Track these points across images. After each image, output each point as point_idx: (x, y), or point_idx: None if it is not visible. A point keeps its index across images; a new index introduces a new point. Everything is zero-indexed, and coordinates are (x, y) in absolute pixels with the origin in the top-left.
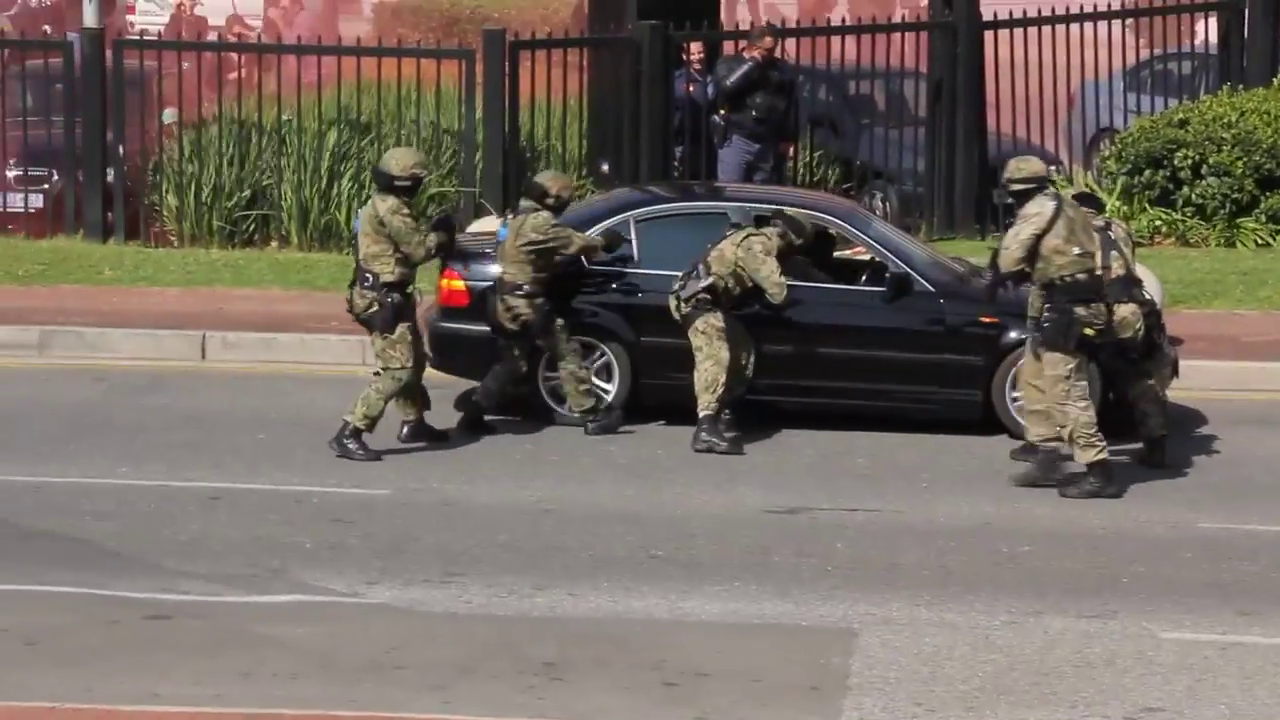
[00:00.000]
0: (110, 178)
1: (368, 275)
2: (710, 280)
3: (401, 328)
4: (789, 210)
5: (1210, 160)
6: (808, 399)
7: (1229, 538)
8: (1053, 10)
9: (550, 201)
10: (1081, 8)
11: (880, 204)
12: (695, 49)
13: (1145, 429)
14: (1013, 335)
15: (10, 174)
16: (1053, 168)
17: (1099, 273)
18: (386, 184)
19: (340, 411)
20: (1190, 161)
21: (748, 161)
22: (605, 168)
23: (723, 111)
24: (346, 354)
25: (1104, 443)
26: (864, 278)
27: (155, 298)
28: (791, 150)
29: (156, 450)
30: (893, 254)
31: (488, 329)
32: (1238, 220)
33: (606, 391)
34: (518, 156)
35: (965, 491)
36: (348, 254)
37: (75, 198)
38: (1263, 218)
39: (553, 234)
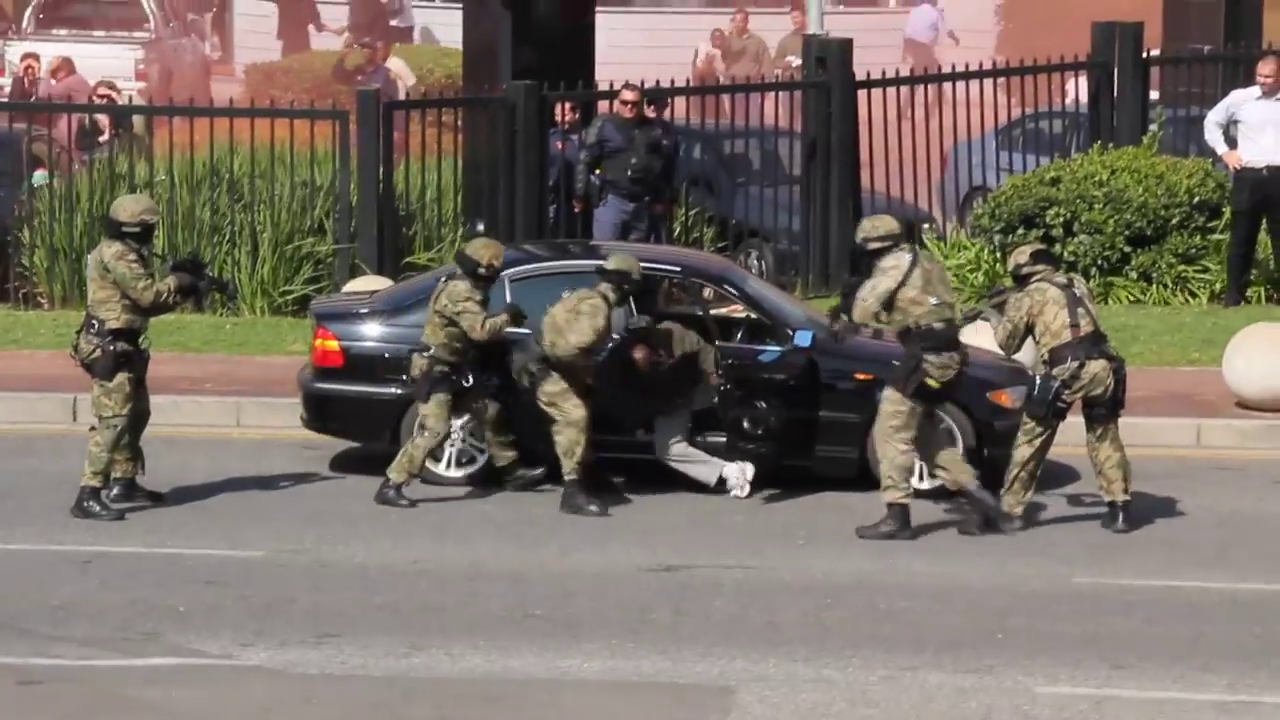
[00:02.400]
0: None
1: (94, 321)
2: (541, 351)
3: (121, 377)
4: (610, 262)
5: (1082, 218)
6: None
7: (1104, 592)
8: (925, 69)
9: (482, 271)
10: (954, 67)
11: (756, 262)
12: (569, 108)
13: (1110, 492)
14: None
15: None
16: (926, 225)
17: (955, 323)
18: (115, 230)
19: (213, 472)
20: (1062, 220)
21: (623, 220)
22: (480, 227)
23: (598, 171)
24: (219, 415)
25: (910, 490)
26: (739, 335)
27: (25, 360)
28: (667, 209)
29: (28, 514)
30: (769, 311)
31: (362, 389)
32: (1110, 278)
33: (480, 450)
34: (392, 215)
35: (843, 547)
36: (220, 314)
37: None
38: (1134, 275)
39: (463, 308)
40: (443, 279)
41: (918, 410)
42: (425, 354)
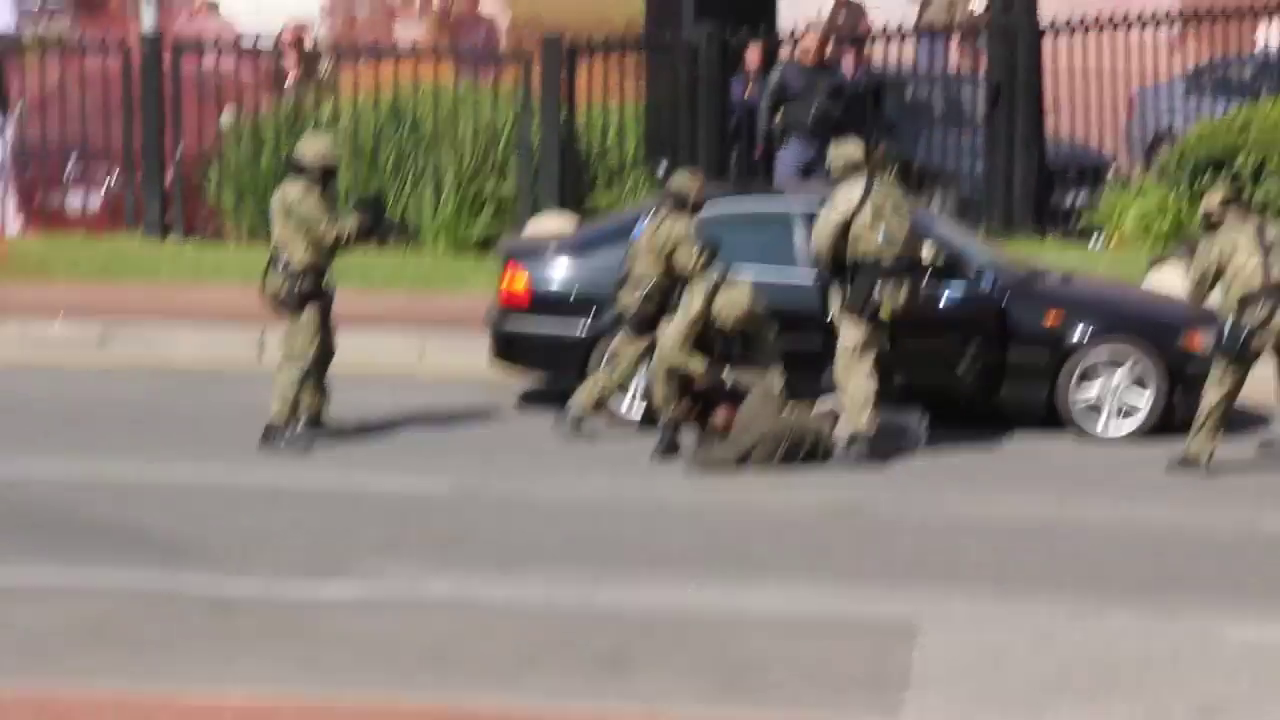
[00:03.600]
0: (169, 177)
1: (280, 259)
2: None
3: (307, 313)
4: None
5: (1271, 163)
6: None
7: None
8: (1111, 16)
9: (692, 206)
10: (1140, 13)
11: (940, 205)
12: (752, 53)
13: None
14: (1077, 335)
15: (70, 173)
16: (1110, 170)
17: (903, 256)
18: (298, 170)
19: (397, 408)
20: (1251, 164)
21: (805, 163)
22: (663, 167)
23: (779, 116)
24: (404, 352)
25: (872, 416)
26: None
27: (214, 295)
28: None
29: (217, 446)
30: (958, 253)
31: (549, 327)
32: None
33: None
34: (573, 157)
35: (1026, 489)
36: (404, 253)
37: (134, 197)
38: None
39: (692, 247)
40: (654, 214)
41: (875, 338)
42: (638, 290)
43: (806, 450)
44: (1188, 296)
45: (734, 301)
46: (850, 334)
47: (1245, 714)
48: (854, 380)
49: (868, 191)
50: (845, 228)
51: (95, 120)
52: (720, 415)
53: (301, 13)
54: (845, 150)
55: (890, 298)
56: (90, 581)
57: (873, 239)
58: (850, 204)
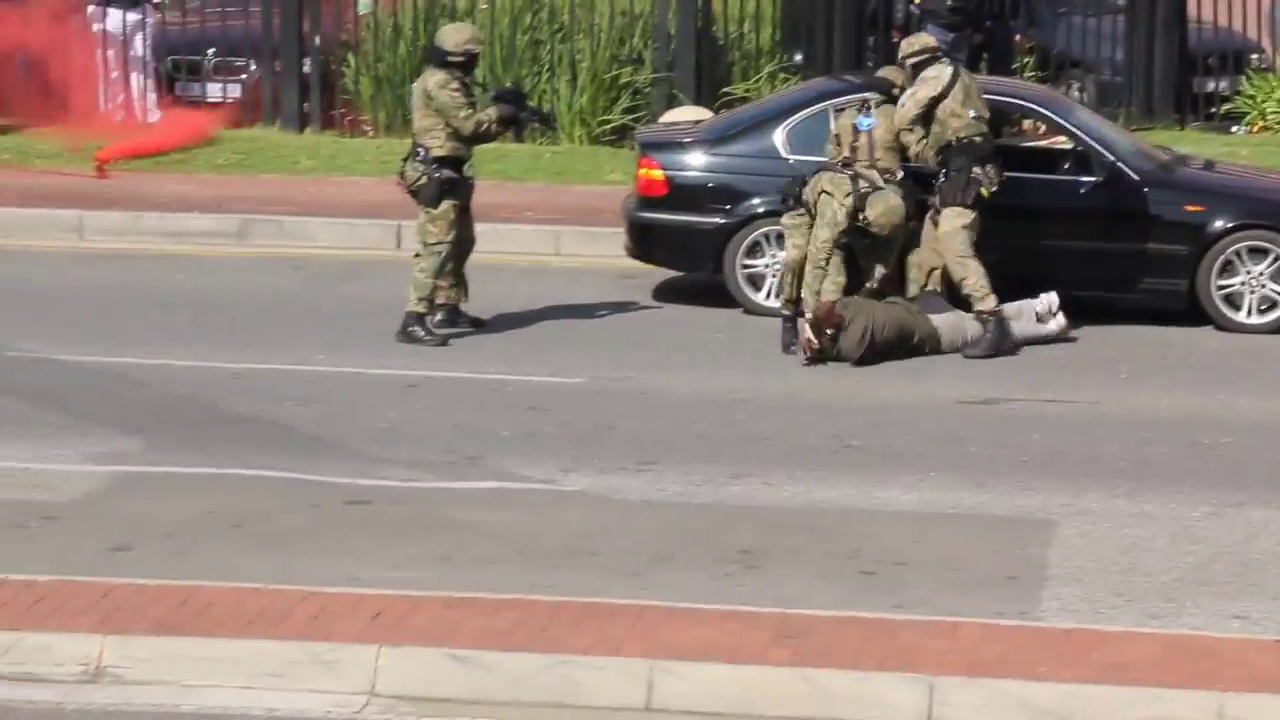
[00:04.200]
0: (307, 67)
1: (419, 149)
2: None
3: (446, 204)
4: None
5: None
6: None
7: None
8: None
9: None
10: None
11: (1077, 93)
12: None
13: None
14: (1219, 224)
15: (209, 64)
16: (1255, 55)
17: (991, 136)
18: (439, 59)
19: (533, 300)
20: None
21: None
22: (799, 58)
23: (916, 1)
24: (539, 243)
25: (996, 295)
26: (1066, 166)
27: (351, 187)
28: (1019, 40)
29: (354, 337)
30: (1097, 142)
31: (686, 218)
32: None
33: None
34: (710, 45)
35: (1165, 383)
36: (539, 143)
37: (272, 88)
38: None
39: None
40: (839, 104)
41: (978, 223)
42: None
43: (917, 342)
44: None
45: (893, 208)
46: (956, 223)
47: None
48: (968, 269)
49: (956, 73)
50: (932, 109)
51: (234, 10)
52: (822, 309)
53: None
54: (920, 38)
55: (988, 178)
56: (231, 475)
57: (966, 117)
58: (941, 83)
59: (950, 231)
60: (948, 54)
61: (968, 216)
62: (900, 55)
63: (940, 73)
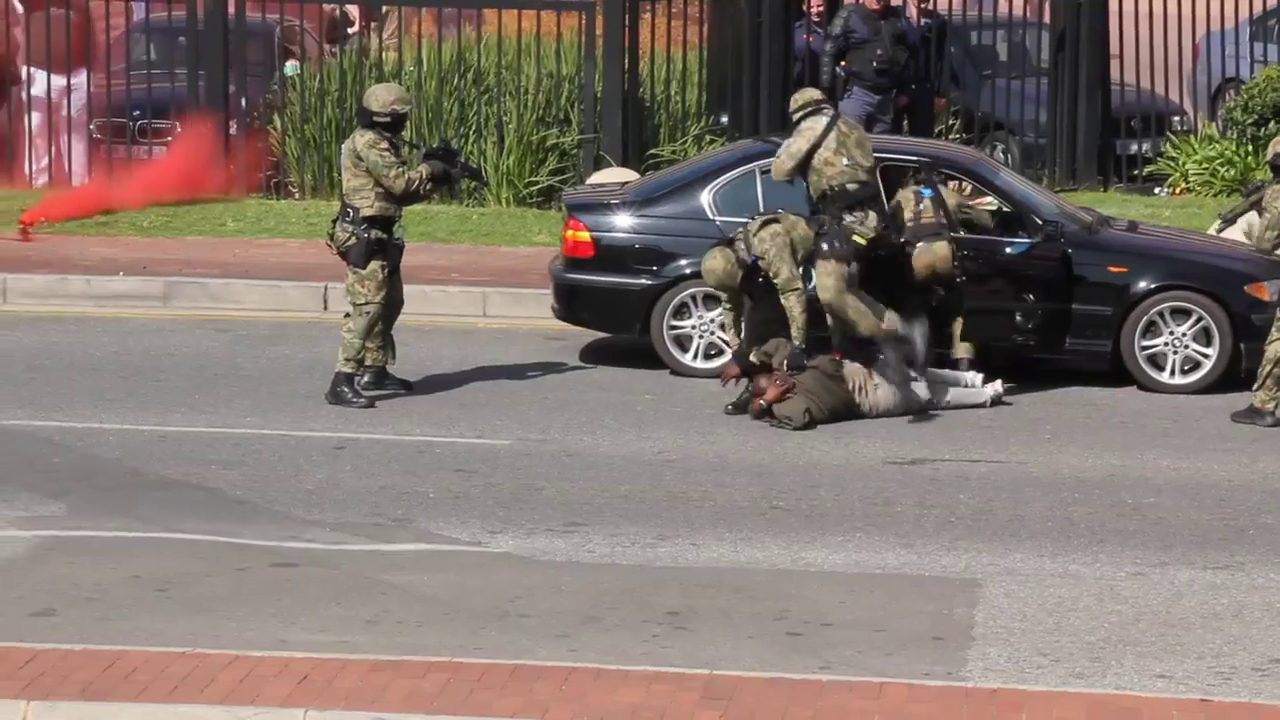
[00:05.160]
0: (233, 130)
1: (349, 210)
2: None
3: (374, 264)
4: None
5: None
6: (937, 349)
7: None
8: None
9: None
10: None
11: (1002, 155)
12: (815, 0)
13: None
14: (1142, 285)
15: (134, 126)
16: (1176, 118)
17: (870, 185)
18: (367, 119)
19: (461, 361)
20: None
21: (868, 112)
22: (725, 120)
23: (843, 63)
24: (467, 305)
25: (886, 319)
26: (992, 228)
27: (278, 249)
28: (942, 103)
29: (281, 400)
30: (1022, 204)
31: (613, 279)
32: None
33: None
34: (636, 107)
35: (1090, 443)
36: (467, 204)
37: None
38: None
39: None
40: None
41: (855, 270)
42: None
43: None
44: (1257, 245)
45: (941, 255)
46: (833, 273)
47: None
48: (849, 304)
49: (831, 123)
50: (808, 159)
51: (160, 72)
52: (769, 388)
53: None
54: (804, 93)
55: (863, 225)
56: (157, 538)
57: (839, 165)
58: (815, 133)
59: (823, 285)
60: (829, 106)
61: (841, 270)
62: (789, 111)
63: (815, 124)
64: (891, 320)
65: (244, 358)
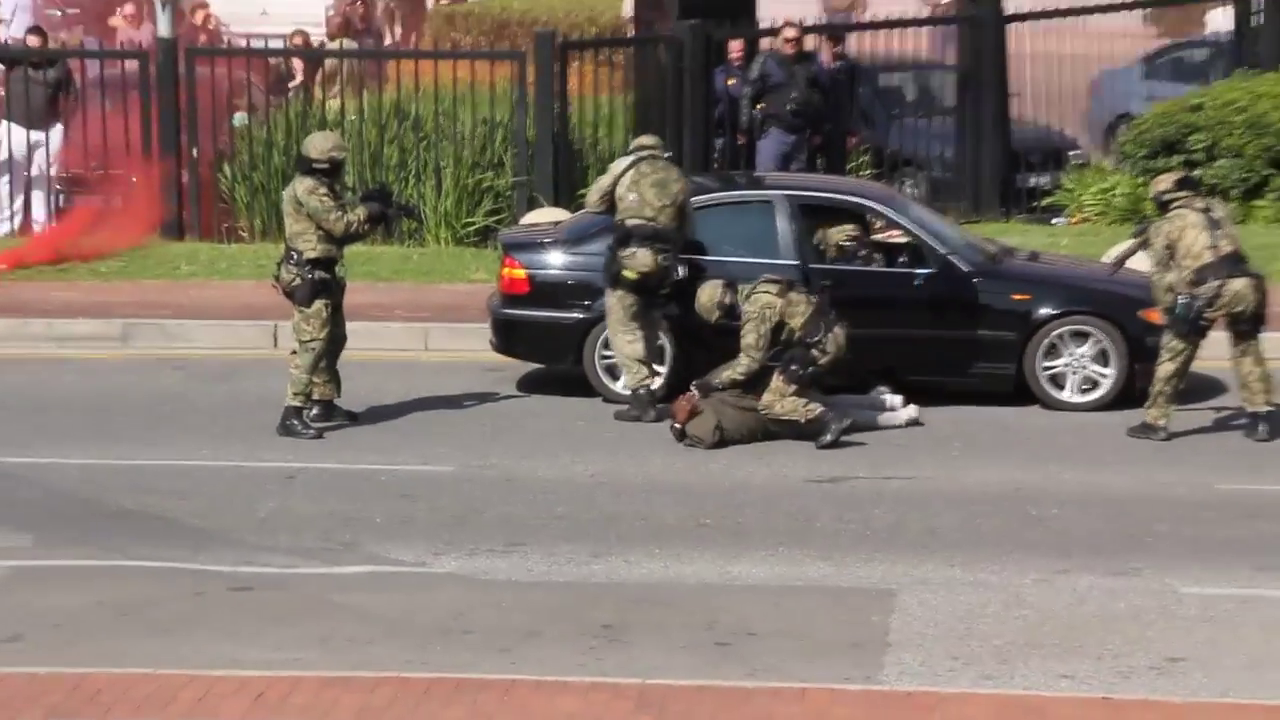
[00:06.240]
0: (185, 179)
1: (293, 253)
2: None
3: (318, 303)
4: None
5: (1223, 143)
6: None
7: (1246, 498)
8: (1072, 4)
9: None
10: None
11: (910, 190)
12: (735, 45)
13: (1252, 404)
14: (1044, 311)
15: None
16: (1073, 152)
17: (657, 222)
18: (306, 166)
19: (404, 393)
20: (1204, 145)
21: (784, 152)
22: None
23: (760, 105)
24: (409, 340)
25: (646, 374)
26: (902, 259)
27: (229, 290)
28: (854, 141)
29: (235, 432)
30: (930, 236)
31: (547, 314)
32: (1250, 201)
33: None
34: (567, 150)
35: (996, 459)
36: (407, 245)
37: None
38: (1273, 197)
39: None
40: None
41: (633, 302)
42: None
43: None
44: (1149, 277)
45: (703, 291)
46: (610, 303)
47: (1202, 667)
48: (620, 344)
49: (635, 162)
50: (611, 193)
51: (114, 125)
52: (679, 410)
53: (307, 17)
54: (639, 140)
55: (633, 260)
56: (118, 566)
57: (627, 200)
58: (614, 172)
59: (608, 307)
60: (653, 150)
61: (615, 294)
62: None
63: (620, 163)
64: (656, 373)
65: (199, 394)
